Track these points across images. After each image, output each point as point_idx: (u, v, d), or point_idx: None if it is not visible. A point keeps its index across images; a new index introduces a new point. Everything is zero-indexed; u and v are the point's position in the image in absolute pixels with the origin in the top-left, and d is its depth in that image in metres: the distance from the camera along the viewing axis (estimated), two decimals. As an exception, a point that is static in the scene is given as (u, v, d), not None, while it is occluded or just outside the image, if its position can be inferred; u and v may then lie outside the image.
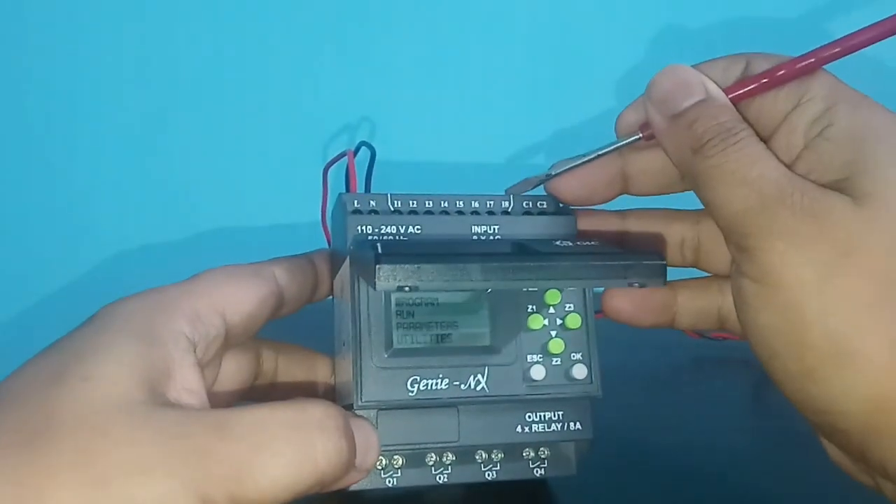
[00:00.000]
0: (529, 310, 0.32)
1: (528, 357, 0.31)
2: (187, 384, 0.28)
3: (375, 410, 0.30)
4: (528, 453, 0.33)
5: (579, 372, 0.32)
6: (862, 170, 0.26)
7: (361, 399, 0.30)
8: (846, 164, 0.26)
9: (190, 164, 0.53)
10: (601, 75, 0.59)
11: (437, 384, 0.30)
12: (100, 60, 0.50)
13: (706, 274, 0.35)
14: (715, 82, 0.30)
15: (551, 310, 0.32)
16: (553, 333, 0.32)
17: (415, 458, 0.32)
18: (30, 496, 0.23)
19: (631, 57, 0.58)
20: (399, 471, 0.32)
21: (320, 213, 0.38)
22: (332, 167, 0.38)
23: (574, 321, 0.32)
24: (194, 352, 0.29)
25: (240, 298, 0.31)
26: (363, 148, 0.36)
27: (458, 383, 0.31)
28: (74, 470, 0.24)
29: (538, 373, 0.31)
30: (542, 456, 0.33)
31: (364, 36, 0.55)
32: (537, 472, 0.33)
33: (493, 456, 0.33)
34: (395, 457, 0.32)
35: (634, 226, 0.35)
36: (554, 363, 0.32)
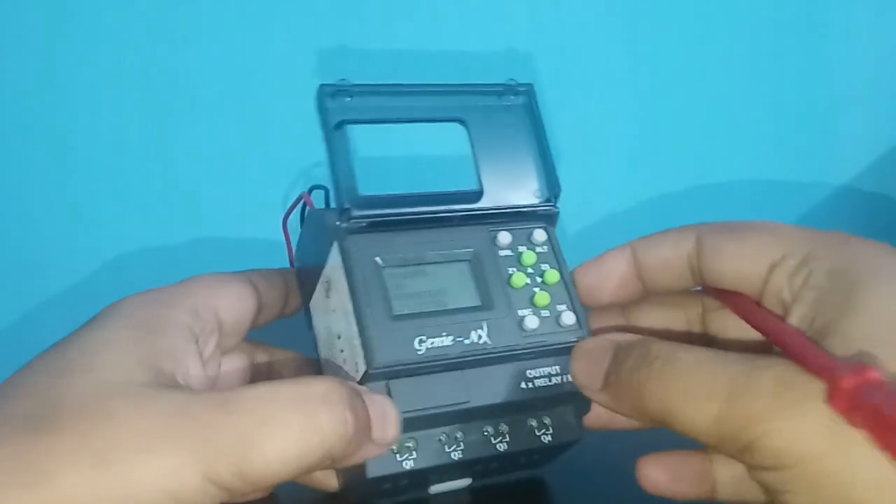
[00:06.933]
0: (510, 272, 0.34)
1: (520, 311, 0.33)
2: (192, 370, 0.29)
3: (385, 382, 0.31)
4: (532, 422, 0.33)
5: (568, 318, 0.33)
6: (846, 311, 0.24)
7: (373, 363, 0.30)
8: (829, 308, 0.25)
9: (191, 168, 0.53)
10: (597, 78, 0.60)
11: (442, 341, 0.31)
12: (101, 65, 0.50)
13: None
14: (665, 258, 0.31)
15: (530, 269, 0.34)
16: (537, 290, 0.34)
17: (426, 439, 0.32)
18: (36, 479, 0.23)
19: (629, 56, 0.60)
20: (414, 452, 0.31)
21: (288, 260, 0.39)
22: (292, 215, 0.39)
23: (552, 277, 0.34)
24: (196, 343, 0.29)
25: (231, 299, 0.32)
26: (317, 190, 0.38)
27: (461, 339, 0.31)
28: (79, 452, 0.24)
29: (532, 322, 0.32)
30: (546, 423, 0.34)
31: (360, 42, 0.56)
32: (545, 438, 0.33)
33: (500, 428, 0.33)
34: (408, 441, 0.31)
35: (641, 320, 0.35)
36: (544, 314, 0.33)
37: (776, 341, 0.26)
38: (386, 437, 0.29)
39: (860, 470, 0.22)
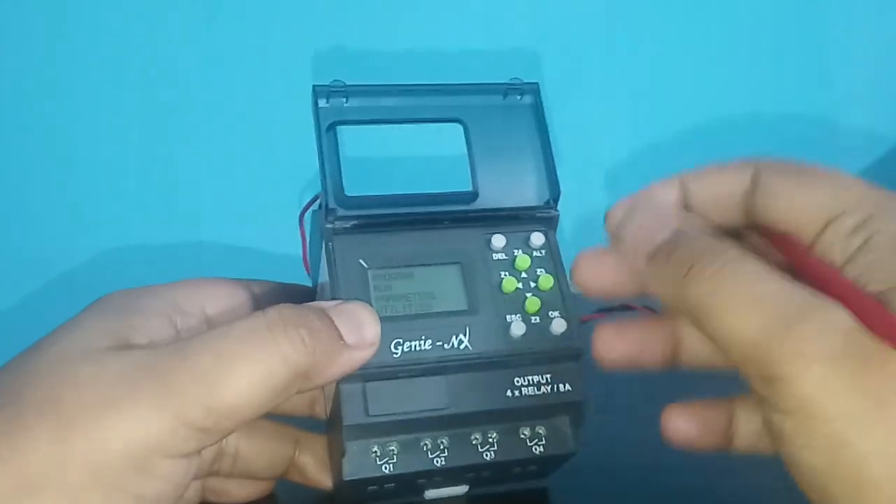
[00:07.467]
0: (502, 276, 0.33)
1: (507, 317, 0.32)
2: (162, 338, 0.28)
3: (361, 384, 0.30)
4: (525, 432, 0.33)
5: (559, 326, 0.32)
6: None
7: None
8: (890, 277, 0.23)
9: (192, 170, 0.53)
10: (596, 78, 0.60)
11: (420, 345, 0.31)
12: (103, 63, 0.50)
13: None
14: (718, 193, 0.29)
15: (524, 274, 0.33)
16: (528, 295, 0.32)
17: (409, 444, 0.31)
18: (4, 448, 0.24)
19: (629, 57, 0.60)
20: (395, 456, 0.31)
21: (301, 258, 0.38)
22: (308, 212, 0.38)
23: (547, 282, 0.33)
24: (176, 330, 0.29)
25: (220, 298, 0.32)
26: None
27: (441, 343, 0.31)
28: (42, 417, 0.24)
29: (518, 329, 0.31)
30: (539, 433, 0.33)
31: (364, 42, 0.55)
32: (536, 449, 0.32)
33: (488, 437, 0.32)
34: (390, 445, 0.31)
35: None
36: (533, 321, 0.32)
37: (836, 294, 0.24)
38: (363, 338, 0.28)
39: (885, 446, 0.21)
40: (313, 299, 0.35)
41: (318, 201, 0.36)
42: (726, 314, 0.24)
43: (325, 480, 0.35)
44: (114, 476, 0.24)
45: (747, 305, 0.23)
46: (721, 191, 0.29)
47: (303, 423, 0.36)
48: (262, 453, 0.34)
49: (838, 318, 0.23)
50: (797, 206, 0.27)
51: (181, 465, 0.26)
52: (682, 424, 0.30)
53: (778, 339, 0.23)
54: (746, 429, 0.29)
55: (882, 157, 0.66)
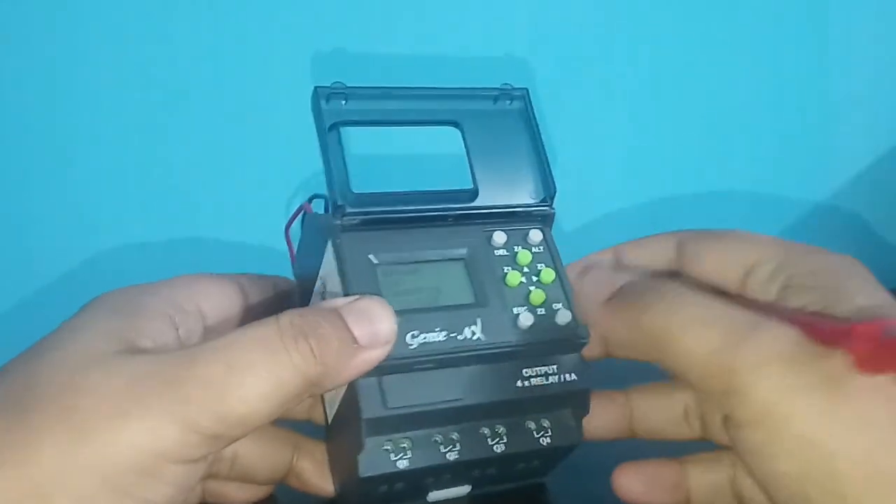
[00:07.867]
0: (505, 271, 0.33)
1: (514, 309, 0.33)
2: (166, 341, 0.29)
3: (377, 378, 0.30)
4: (531, 424, 0.33)
5: (563, 317, 0.33)
6: (836, 299, 0.25)
7: None
8: (818, 299, 0.26)
9: (191, 171, 0.53)
10: (595, 81, 0.60)
11: (435, 336, 0.31)
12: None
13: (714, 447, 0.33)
14: (648, 262, 0.33)
15: (525, 269, 0.34)
16: (532, 288, 0.33)
17: (421, 440, 0.32)
18: (14, 457, 0.24)
19: (628, 59, 0.60)
20: (408, 452, 0.31)
21: (291, 270, 0.39)
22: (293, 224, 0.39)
23: (548, 276, 0.34)
24: (176, 330, 0.29)
25: (215, 296, 0.32)
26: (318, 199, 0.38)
27: (454, 334, 0.31)
28: (54, 425, 0.24)
29: (526, 320, 0.32)
30: (545, 425, 0.33)
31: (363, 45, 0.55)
32: (543, 440, 0.33)
33: (497, 430, 0.33)
34: (403, 442, 0.31)
35: (638, 401, 0.35)
36: (539, 313, 0.33)
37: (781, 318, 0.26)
38: (377, 337, 0.28)
39: (849, 440, 0.22)
40: (300, 291, 0.35)
41: (303, 212, 0.37)
42: (683, 336, 0.26)
43: (323, 486, 0.35)
44: (124, 483, 0.24)
45: (701, 325, 0.26)
46: (651, 259, 0.33)
47: (302, 428, 0.36)
48: (261, 457, 0.34)
49: (783, 329, 0.24)
50: (718, 263, 0.31)
51: (189, 469, 0.26)
52: (628, 484, 0.32)
53: (732, 351, 0.24)
54: (700, 487, 0.31)
55: (882, 157, 0.66)
